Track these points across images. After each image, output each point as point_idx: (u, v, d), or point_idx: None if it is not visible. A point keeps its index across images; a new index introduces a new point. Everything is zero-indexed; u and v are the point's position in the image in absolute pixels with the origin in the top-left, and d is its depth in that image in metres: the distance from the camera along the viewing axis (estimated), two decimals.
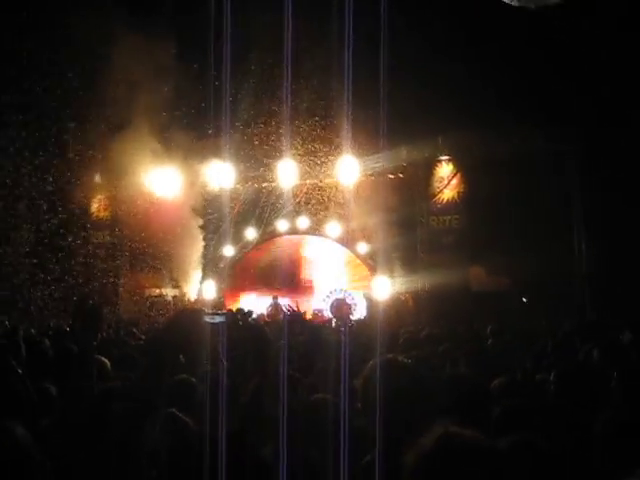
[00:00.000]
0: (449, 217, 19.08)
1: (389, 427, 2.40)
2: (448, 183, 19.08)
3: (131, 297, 21.61)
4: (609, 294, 15.90)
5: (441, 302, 18.04)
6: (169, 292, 22.13)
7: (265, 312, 20.17)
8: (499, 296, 18.41)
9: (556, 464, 2.57)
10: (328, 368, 4.38)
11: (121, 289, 21.65)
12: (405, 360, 2.85)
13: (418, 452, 1.73)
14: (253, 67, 18.39)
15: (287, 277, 22.95)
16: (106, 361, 4.81)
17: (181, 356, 2.72)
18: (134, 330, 11.98)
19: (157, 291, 22.10)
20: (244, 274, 23.71)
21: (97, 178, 21.47)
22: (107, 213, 21.99)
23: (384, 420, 2.43)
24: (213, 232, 22.43)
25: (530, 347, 7.29)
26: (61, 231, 19.43)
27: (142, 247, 21.26)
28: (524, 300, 18.79)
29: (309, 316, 18.18)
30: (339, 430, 2.60)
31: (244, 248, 23.54)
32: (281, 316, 19.09)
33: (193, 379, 3.69)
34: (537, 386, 4.72)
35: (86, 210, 21.42)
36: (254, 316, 16.54)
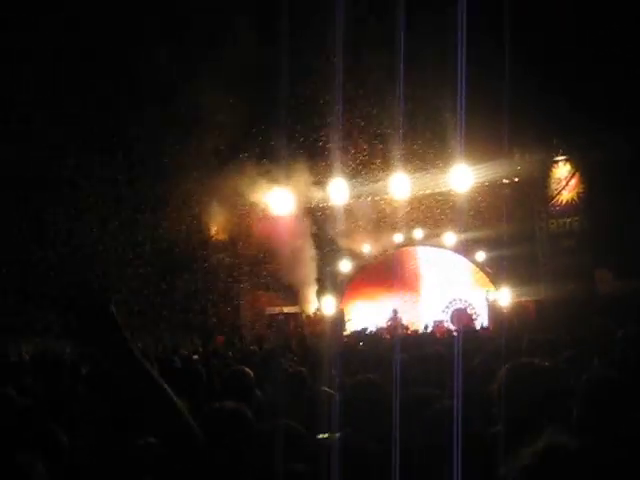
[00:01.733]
0: (569, 219, 18.42)
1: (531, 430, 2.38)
2: (566, 184, 18.44)
3: (253, 316, 22.16)
4: None
5: (566, 308, 17.42)
6: (288, 309, 22.54)
7: (385, 325, 20.21)
8: (629, 299, 17.58)
9: None
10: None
11: (243, 308, 22.22)
12: (542, 363, 2.80)
13: (519, 465, 1.69)
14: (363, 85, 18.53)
15: (405, 289, 22.91)
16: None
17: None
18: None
19: (277, 309, 22.55)
20: (361, 288, 23.86)
21: (215, 202, 22.23)
22: (225, 235, 22.68)
23: (525, 423, 2.41)
24: (329, 248, 22.75)
25: None
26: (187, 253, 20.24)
27: (261, 267, 21.88)
28: None
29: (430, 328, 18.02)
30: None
31: (360, 262, 23.71)
32: (399, 330, 19.11)
33: None
34: None
35: (206, 232, 22.23)
36: (370, 330, 16.64)
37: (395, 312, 21.04)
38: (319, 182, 20.69)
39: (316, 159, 20.01)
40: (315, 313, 22.67)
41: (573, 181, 18.43)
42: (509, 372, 2.65)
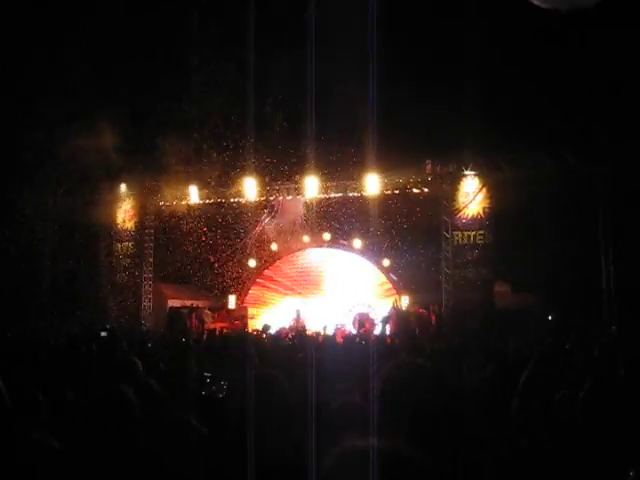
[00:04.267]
0: (474, 232, 18.89)
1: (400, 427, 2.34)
2: (473, 198, 18.92)
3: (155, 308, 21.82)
4: (636, 310, 15.63)
5: (464, 318, 17.87)
6: (191, 303, 22.27)
7: (287, 326, 20.16)
8: (524, 313, 18.19)
9: None
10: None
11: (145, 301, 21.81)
12: (424, 362, 2.79)
13: None
14: None
15: (310, 290, 22.99)
16: None
17: None
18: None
19: (179, 302, 22.27)
20: (266, 286, 23.83)
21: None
22: (131, 224, 22.24)
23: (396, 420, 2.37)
24: (237, 244, 22.69)
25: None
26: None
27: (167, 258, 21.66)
28: (549, 318, 18.55)
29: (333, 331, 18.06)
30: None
31: (267, 260, 23.68)
32: (300, 328, 19.12)
33: None
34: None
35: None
36: (272, 331, 16.59)
37: (298, 313, 21.06)
38: (232, 177, 20.56)
39: (232, 154, 19.84)
40: (218, 308, 22.50)
41: (480, 196, 18.92)
42: (390, 369, 2.61)
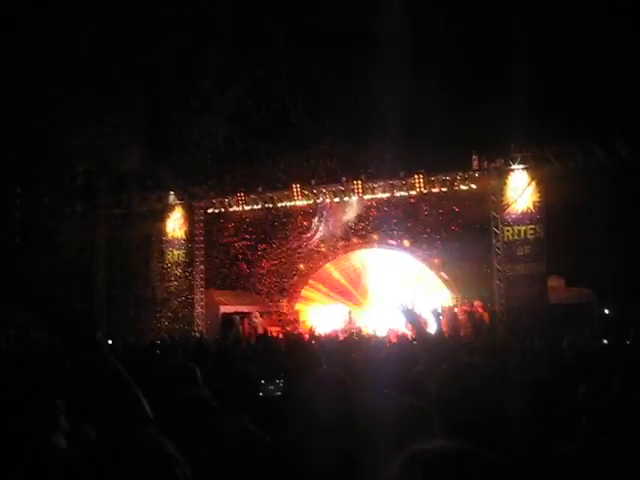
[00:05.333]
0: (524, 227, 18.60)
1: (463, 429, 2.33)
2: (522, 193, 18.63)
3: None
4: None
5: (518, 314, 17.62)
6: (242, 309, 22.52)
7: (339, 328, 20.21)
8: (580, 307, 17.88)
9: None
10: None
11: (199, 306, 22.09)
12: (479, 362, 2.77)
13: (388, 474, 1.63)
14: None
15: (360, 290, 22.98)
16: None
17: None
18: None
19: (231, 308, 22.51)
20: (317, 289, 23.90)
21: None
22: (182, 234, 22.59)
23: (456, 422, 2.36)
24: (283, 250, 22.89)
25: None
26: None
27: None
28: (606, 312, 18.19)
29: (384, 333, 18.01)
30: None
31: (317, 263, 23.78)
32: (355, 330, 19.13)
33: None
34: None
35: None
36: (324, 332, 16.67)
37: (350, 315, 21.11)
38: (279, 181, 20.80)
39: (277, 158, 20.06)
40: (269, 313, 22.70)
41: (529, 190, 18.63)
42: (445, 371, 2.60)
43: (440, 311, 18.53)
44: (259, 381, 3.54)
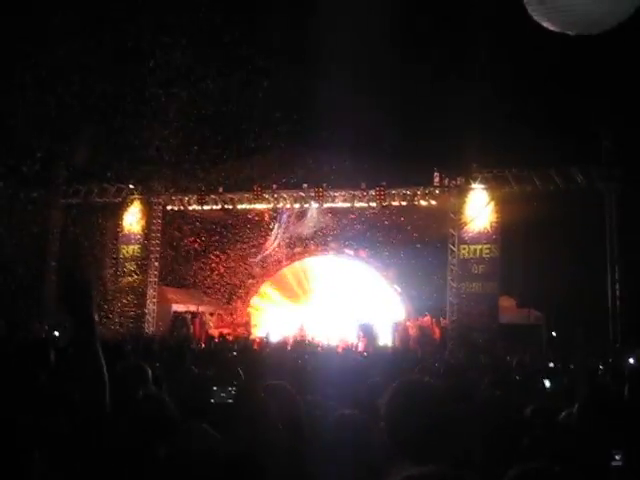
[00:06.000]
0: (480, 246, 18.85)
1: (410, 447, 2.35)
2: (481, 212, 18.89)
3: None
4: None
5: (468, 331, 17.85)
6: (194, 308, 22.34)
7: (291, 336, 20.16)
8: (528, 329, 18.18)
9: None
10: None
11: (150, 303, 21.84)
12: (430, 381, 2.79)
13: None
14: None
15: (314, 296, 23.02)
16: None
17: None
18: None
19: (183, 307, 22.33)
20: (271, 292, 23.90)
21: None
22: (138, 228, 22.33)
23: (405, 439, 2.38)
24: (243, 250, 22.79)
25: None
26: None
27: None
28: (553, 334, 18.53)
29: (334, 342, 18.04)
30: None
31: (272, 267, 23.76)
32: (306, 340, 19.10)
33: None
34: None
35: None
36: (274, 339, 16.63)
37: (302, 325, 21.06)
38: (240, 183, 20.69)
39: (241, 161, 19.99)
40: (222, 314, 22.56)
41: (488, 210, 18.89)
42: (396, 388, 2.61)
43: (393, 325, 18.67)
44: (211, 387, 3.51)
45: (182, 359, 6.81)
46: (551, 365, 10.70)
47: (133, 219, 22.09)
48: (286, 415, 3.07)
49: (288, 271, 23.80)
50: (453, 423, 2.73)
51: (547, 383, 6.95)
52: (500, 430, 3.65)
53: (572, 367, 9.59)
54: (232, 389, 3.44)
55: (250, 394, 3.21)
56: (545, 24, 3.54)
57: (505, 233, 18.64)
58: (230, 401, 3.40)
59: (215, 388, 3.47)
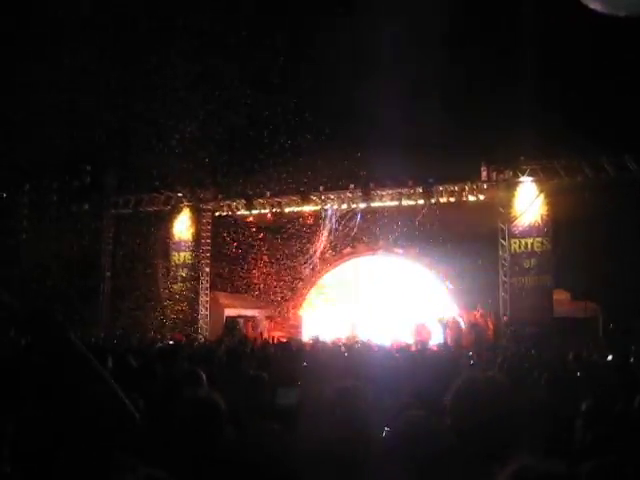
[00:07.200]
0: (531, 240, 18.59)
1: (478, 443, 2.35)
2: (530, 205, 18.62)
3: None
4: None
5: (522, 326, 17.61)
6: (247, 312, 22.55)
7: (343, 338, 20.13)
8: (584, 322, 17.84)
9: None
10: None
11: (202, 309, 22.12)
12: (493, 375, 2.79)
13: None
14: None
15: (364, 297, 22.96)
16: None
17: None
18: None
19: (235, 311, 22.54)
20: (322, 294, 23.95)
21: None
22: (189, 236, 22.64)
23: (472, 435, 2.38)
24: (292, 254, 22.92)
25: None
26: None
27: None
28: (611, 326, 18.15)
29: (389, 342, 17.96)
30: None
31: (323, 269, 23.81)
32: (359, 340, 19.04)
33: None
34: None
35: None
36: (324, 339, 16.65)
37: (353, 327, 20.99)
38: (288, 187, 20.85)
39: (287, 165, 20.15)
40: (274, 318, 22.70)
41: (538, 202, 18.62)
42: (460, 385, 2.62)
43: (445, 322, 18.54)
44: (275, 389, 3.56)
45: (238, 362, 6.90)
46: (609, 358, 10.46)
47: (183, 226, 22.41)
48: (352, 417, 3.10)
49: (337, 272, 23.80)
50: (517, 417, 2.72)
51: (604, 376, 6.83)
52: (561, 425, 3.63)
53: (632, 360, 9.39)
54: (296, 391, 3.48)
55: (315, 395, 3.24)
56: (592, 5, 3.45)
57: (557, 225, 18.34)
58: (294, 402, 3.44)
59: (279, 390, 3.51)
